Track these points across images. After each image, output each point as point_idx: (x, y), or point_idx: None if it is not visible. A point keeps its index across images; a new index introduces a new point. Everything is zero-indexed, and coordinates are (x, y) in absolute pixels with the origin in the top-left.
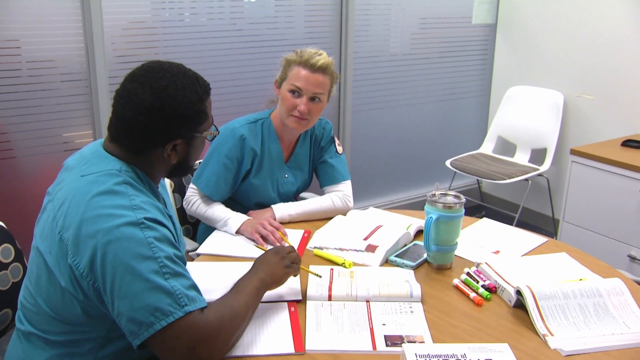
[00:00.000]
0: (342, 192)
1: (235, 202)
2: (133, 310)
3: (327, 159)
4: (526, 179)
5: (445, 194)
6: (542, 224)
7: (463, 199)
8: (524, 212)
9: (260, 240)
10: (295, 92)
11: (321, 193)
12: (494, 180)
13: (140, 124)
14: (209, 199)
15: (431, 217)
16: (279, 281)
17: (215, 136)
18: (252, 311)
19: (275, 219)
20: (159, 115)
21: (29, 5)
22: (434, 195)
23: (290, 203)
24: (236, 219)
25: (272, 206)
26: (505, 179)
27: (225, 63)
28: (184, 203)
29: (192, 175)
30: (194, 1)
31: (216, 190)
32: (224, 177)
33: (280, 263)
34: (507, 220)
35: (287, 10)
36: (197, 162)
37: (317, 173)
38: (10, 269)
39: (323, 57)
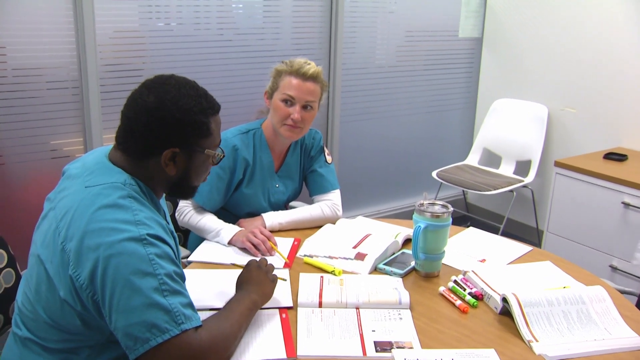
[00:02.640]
0: (331, 201)
1: (227, 212)
2: (130, 325)
3: (317, 168)
4: (511, 190)
5: (433, 203)
6: (527, 234)
7: (450, 208)
8: (509, 222)
9: (253, 249)
10: (288, 101)
11: (310, 202)
12: (480, 191)
13: (140, 124)
14: (201, 209)
15: (419, 226)
16: (268, 298)
17: (221, 159)
18: (244, 330)
19: (265, 228)
20: (157, 116)
21: (19, 12)
22: (422, 204)
23: (280, 212)
24: (228, 229)
25: (263, 215)
26: (491, 190)
27: (213, 72)
28: (176, 214)
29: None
30: (181, 11)
31: (209, 200)
32: (216, 186)
33: (267, 279)
34: (492, 230)
35: (275, 20)
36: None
37: (306, 182)
38: (3, 274)
39: (313, 66)
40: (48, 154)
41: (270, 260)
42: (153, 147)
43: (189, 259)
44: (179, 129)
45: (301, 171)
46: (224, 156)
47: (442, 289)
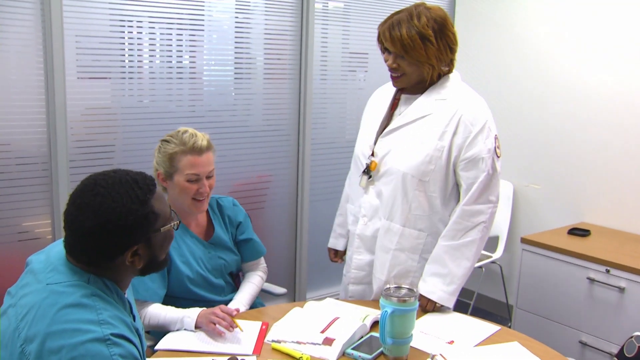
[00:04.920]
0: (263, 265)
1: (180, 299)
2: None
3: (248, 235)
4: (480, 267)
5: (400, 287)
6: (497, 310)
7: (417, 292)
8: (479, 298)
9: (216, 330)
10: (194, 179)
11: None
12: None
13: (89, 245)
14: (155, 306)
15: (386, 311)
16: None
17: (178, 225)
18: None
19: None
20: (103, 234)
21: None
22: (388, 289)
23: (238, 298)
24: (190, 313)
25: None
26: None
27: None
28: None
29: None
30: (154, 88)
31: (147, 292)
32: (149, 277)
33: None
34: (462, 306)
35: (246, 97)
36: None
37: (238, 248)
38: None
39: (201, 137)
40: (15, 236)
41: (240, 348)
42: (111, 256)
43: (157, 347)
44: (128, 232)
45: (232, 241)
46: (180, 222)
47: None
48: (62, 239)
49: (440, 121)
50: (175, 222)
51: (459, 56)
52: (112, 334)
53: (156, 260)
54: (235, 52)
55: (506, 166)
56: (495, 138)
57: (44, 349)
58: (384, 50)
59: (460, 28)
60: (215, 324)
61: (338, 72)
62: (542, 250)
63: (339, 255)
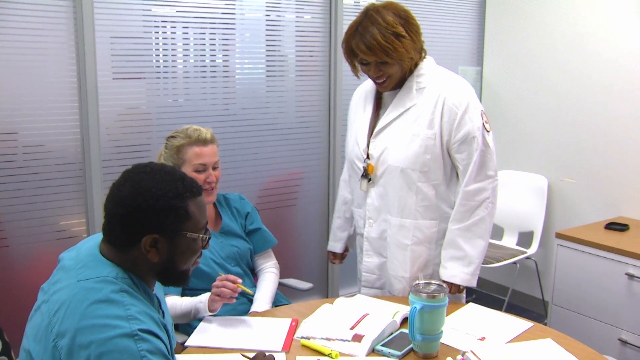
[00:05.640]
0: (274, 260)
1: (201, 290)
2: None
3: (258, 225)
4: (515, 262)
5: (429, 283)
6: (533, 306)
7: (446, 287)
8: (514, 294)
9: (224, 300)
10: (201, 169)
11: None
12: (483, 264)
13: (117, 215)
14: (169, 297)
15: (415, 307)
16: None
17: (207, 241)
18: None
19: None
20: (131, 206)
21: (27, 93)
22: (417, 284)
23: (259, 298)
24: (202, 298)
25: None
26: (494, 263)
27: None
28: None
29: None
30: (188, 87)
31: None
32: None
33: None
34: (497, 303)
35: (278, 94)
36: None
37: (249, 239)
38: None
39: (205, 130)
40: (53, 234)
41: (269, 345)
42: (133, 236)
43: (187, 343)
44: (154, 215)
45: (243, 230)
46: (209, 238)
47: None
48: (93, 235)
49: (426, 109)
50: (205, 236)
51: (490, 49)
52: (139, 330)
53: (174, 265)
54: (267, 50)
55: (541, 160)
56: (482, 114)
57: (74, 344)
58: (358, 63)
59: (492, 21)
60: (220, 296)
61: None
62: (578, 245)
63: (337, 257)
